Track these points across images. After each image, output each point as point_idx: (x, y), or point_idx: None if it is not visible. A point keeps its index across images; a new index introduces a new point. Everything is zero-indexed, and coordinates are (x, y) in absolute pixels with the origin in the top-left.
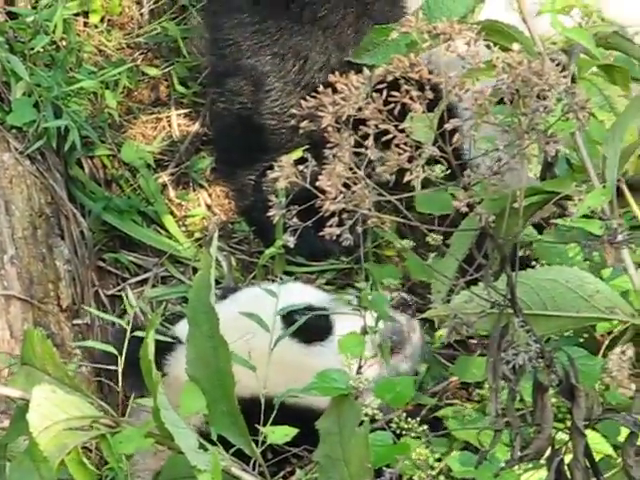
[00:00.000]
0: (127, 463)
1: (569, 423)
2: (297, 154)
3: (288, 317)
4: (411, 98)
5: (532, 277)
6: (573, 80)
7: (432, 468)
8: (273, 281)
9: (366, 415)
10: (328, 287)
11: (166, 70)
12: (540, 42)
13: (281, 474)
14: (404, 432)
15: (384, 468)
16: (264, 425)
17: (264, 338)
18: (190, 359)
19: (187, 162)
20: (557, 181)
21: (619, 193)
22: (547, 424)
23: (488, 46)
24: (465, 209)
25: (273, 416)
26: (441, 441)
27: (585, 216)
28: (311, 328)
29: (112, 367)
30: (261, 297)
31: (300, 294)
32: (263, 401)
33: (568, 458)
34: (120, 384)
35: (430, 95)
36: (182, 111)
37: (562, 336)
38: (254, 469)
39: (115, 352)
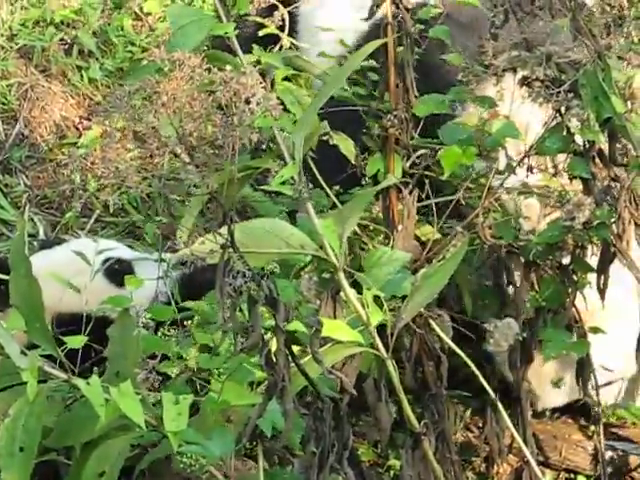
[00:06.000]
0: None
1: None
2: None
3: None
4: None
5: (247, 226)
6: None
7: (185, 359)
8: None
9: (142, 325)
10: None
11: None
12: (245, 64)
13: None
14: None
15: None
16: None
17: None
18: (12, 293)
19: (9, 154)
20: (261, 159)
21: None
22: (258, 325)
23: (209, 69)
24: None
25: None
26: (189, 341)
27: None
28: (122, 273)
29: None
30: (85, 247)
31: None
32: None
33: (274, 348)
34: None
35: (170, 104)
36: (4, 118)
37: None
38: (61, 366)
39: None
